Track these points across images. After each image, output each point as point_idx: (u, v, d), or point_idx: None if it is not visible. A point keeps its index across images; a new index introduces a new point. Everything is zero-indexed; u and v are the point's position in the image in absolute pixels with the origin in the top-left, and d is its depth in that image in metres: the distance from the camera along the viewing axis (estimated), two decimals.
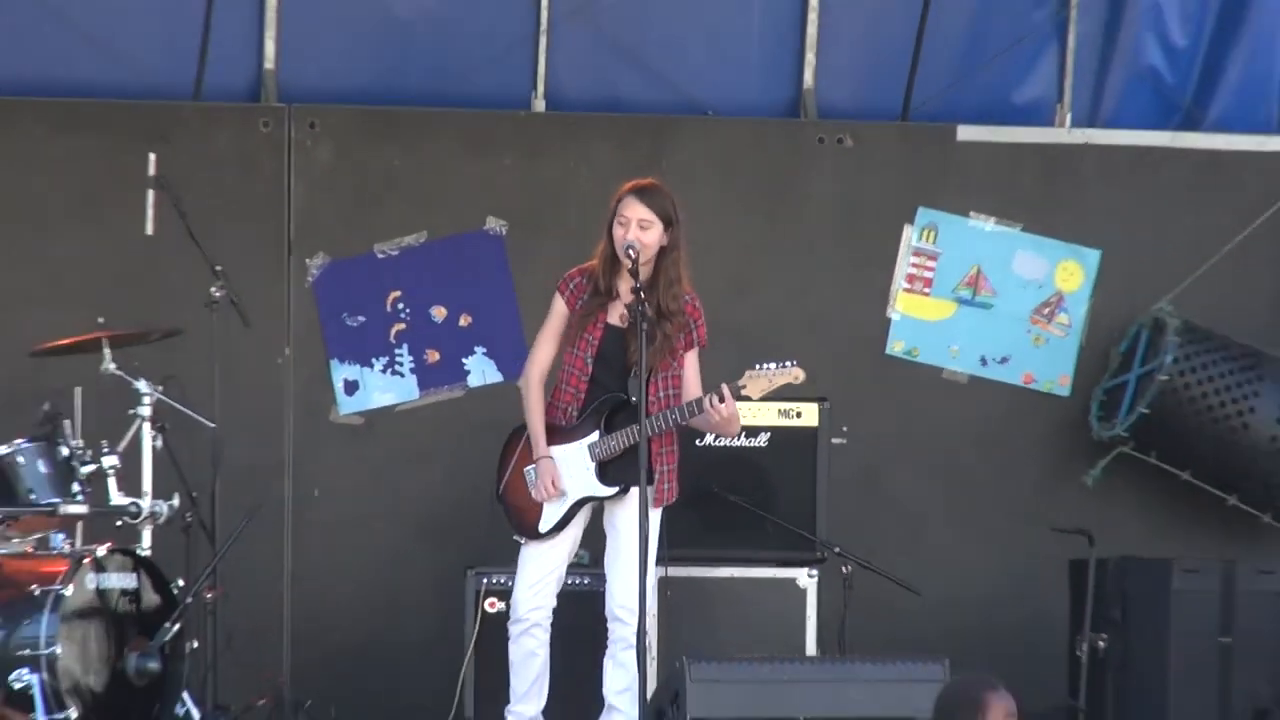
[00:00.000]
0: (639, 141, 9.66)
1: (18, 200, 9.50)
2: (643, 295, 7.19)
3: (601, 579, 7.72)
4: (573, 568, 7.86)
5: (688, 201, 7.79)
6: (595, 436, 7.36)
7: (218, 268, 8.38)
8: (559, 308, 7.49)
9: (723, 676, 7.53)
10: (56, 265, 9.21)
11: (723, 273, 9.30)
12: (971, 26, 10.16)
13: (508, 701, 7.71)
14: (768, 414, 8.65)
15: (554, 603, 7.55)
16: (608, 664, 7.55)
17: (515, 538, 7.70)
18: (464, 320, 9.53)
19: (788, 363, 7.29)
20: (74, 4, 9.55)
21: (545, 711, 7.79)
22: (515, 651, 7.56)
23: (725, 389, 7.19)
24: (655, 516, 7.44)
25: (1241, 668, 8.80)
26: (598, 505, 7.61)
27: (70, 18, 9.48)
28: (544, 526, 7.45)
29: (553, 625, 7.63)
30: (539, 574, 7.50)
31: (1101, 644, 8.94)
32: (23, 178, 9.54)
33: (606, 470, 7.41)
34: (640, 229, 7.18)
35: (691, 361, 7.54)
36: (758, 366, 7.31)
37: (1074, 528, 8.99)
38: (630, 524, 7.30)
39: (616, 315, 7.43)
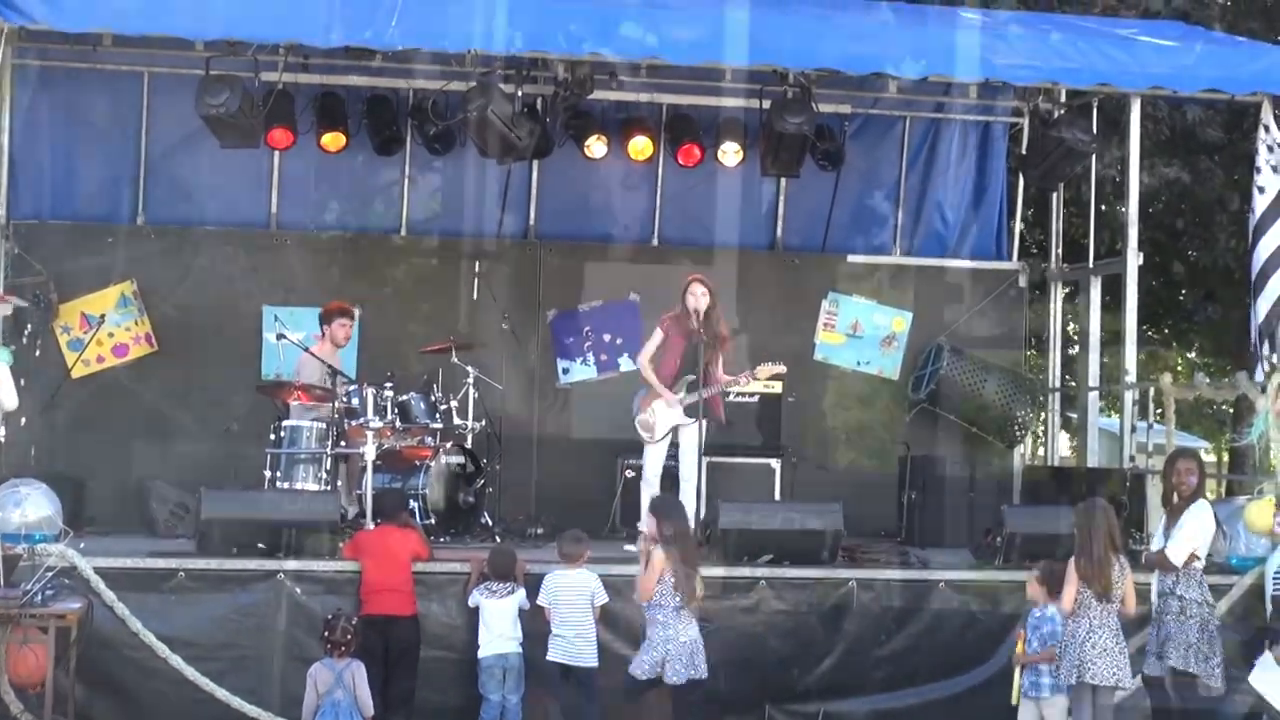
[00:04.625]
0: (708, 258, 13.22)
1: (421, 284, 13.32)
2: (702, 329, 10.38)
3: (676, 464, 10.87)
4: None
5: (728, 287, 12.15)
6: (681, 394, 10.74)
7: (505, 314, 12.22)
8: (658, 334, 10.83)
9: (737, 509, 10.41)
10: (433, 313, 13.12)
11: (744, 318, 12.97)
12: (851, 208, 14.07)
13: (638, 520, 10.22)
14: (759, 386, 12.18)
15: (661, 470, 10.77)
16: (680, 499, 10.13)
17: (645, 440, 10.76)
18: (617, 340, 13.42)
19: (779, 362, 11.03)
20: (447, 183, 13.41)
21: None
22: (644, 492, 10.80)
23: (749, 371, 10.78)
24: (695, 432, 10.43)
25: (978, 509, 12.19)
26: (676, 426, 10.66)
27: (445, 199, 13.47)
28: (657, 436, 10.85)
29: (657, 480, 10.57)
30: (655, 458, 10.88)
31: (913, 495, 12.46)
32: (417, 274, 13.34)
33: (685, 412, 10.77)
34: (701, 297, 10.64)
35: (719, 357, 10.76)
36: (765, 364, 10.77)
37: (901, 441, 13.06)
38: (692, 438, 10.73)
39: (688, 337, 10.57)
